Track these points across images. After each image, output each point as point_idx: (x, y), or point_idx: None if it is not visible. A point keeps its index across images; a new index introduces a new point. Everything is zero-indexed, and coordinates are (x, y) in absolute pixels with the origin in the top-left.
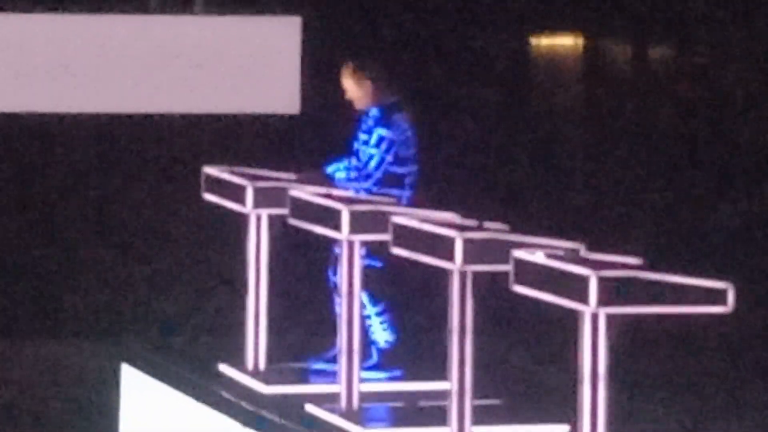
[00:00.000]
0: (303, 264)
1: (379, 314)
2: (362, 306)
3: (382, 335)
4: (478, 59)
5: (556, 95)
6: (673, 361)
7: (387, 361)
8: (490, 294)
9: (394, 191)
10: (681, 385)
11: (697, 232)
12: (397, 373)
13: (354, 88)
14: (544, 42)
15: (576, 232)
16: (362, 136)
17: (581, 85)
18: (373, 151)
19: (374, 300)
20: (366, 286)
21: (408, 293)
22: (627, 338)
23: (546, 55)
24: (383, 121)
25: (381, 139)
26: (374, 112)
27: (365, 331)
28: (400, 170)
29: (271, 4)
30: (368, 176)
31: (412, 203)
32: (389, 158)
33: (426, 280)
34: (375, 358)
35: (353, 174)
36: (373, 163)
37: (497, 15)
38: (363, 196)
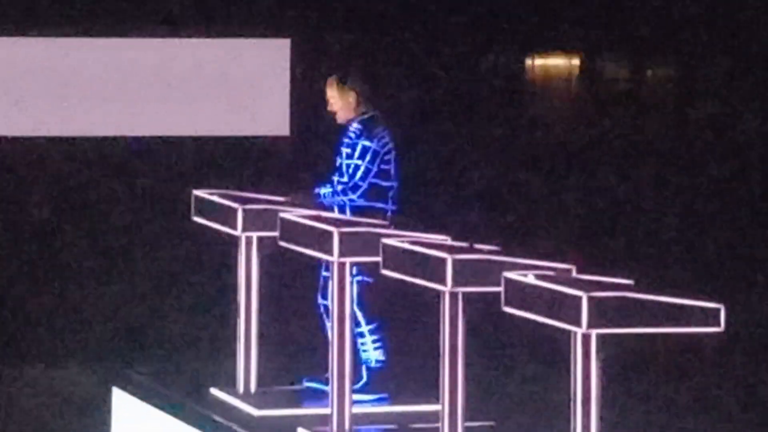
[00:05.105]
0: (293, 285)
1: (372, 332)
2: (356, 323)
3: (373, 354)
4: (475, 81)
5: (552, 116)
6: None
7: (376, 382)
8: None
9: (379, 204)
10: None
11: (695, 251)
12: (384, 395)
13: (337, 100)
14: (540, 63)
15: (570, 253)
16: (345, 150)
17: (580, 105)
18: (359, 162)
19: (368, 317)
20: (361, 303)
21: (394, 314)
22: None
23: (544, 76)
24: (366, 133)
25: (365, 151)
26: (356, 125)
27: (356, 350)
28: (384, 183)
29: (260, 27)
30: (356, 187)
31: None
32: (374, 169)
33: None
34: (365, 378)
35: (339, 187)
36: (359, 174)
37: (494, 37)
38: (353, 218)
